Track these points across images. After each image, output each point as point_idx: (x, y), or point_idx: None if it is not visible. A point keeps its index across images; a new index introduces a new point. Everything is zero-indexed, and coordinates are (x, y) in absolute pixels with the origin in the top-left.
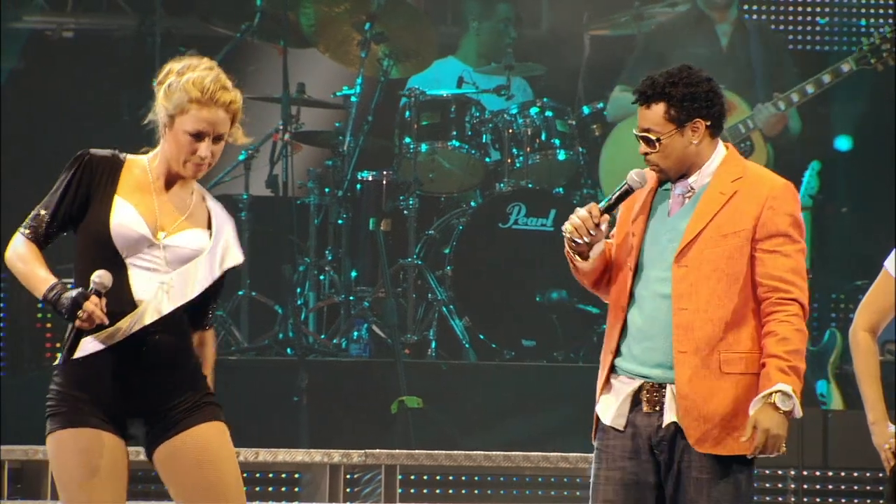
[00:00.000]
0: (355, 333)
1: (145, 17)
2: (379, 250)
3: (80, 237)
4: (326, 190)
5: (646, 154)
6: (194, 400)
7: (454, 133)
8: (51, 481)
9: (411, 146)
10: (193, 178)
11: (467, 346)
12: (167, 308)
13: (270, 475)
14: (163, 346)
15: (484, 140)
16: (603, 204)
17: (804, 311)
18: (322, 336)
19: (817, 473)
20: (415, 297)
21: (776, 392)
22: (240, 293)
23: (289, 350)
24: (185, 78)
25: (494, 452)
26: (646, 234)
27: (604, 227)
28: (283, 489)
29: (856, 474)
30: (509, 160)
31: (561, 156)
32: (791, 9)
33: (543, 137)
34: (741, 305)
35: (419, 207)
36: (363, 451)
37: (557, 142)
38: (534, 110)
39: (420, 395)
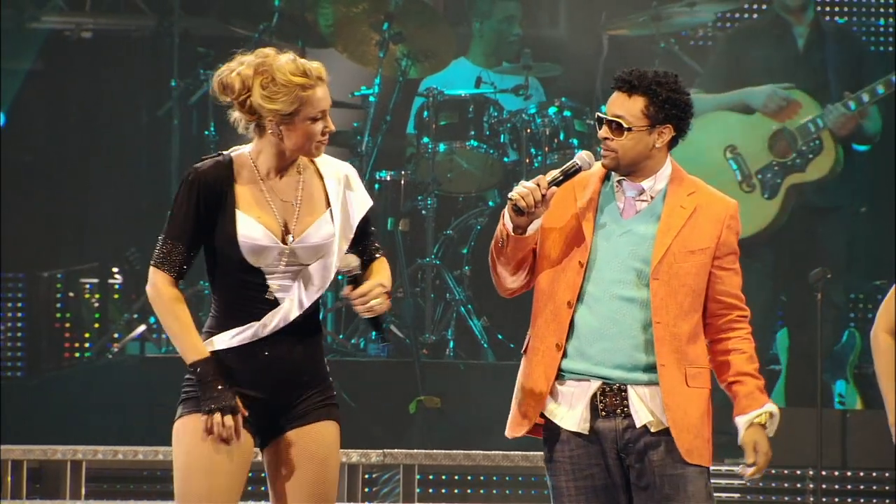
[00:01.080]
0: (373, 333)
1: (163, 17)
2: (397, 250)
3: (211, 253)
4: None
5: (606, 139)
6: (321, 397)
7: (472, 133)
8: (69, 481)
9: (429, 146)
10: (320, 155)
11: (485, 345)
12: (308, 301)
13: None
14: (299, 340)
15: (502, 140)
16: (550, 178)
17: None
18: (340, 336)
19: (836, 473)
20: (433, 297)
21: (766, 413)
22: None
23: None
24: (279, 73)
25: (513, 452)
26: (596, 233)
27: (549, 201)
28: None
29: (875, 474)
30: (527, 160)
31: None
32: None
33: (562, 137)
34: (699, 321)
35: (437, 207)
36: (381, 451)
37: (576, 141)
38: (552, 110)
39: (438, 394)
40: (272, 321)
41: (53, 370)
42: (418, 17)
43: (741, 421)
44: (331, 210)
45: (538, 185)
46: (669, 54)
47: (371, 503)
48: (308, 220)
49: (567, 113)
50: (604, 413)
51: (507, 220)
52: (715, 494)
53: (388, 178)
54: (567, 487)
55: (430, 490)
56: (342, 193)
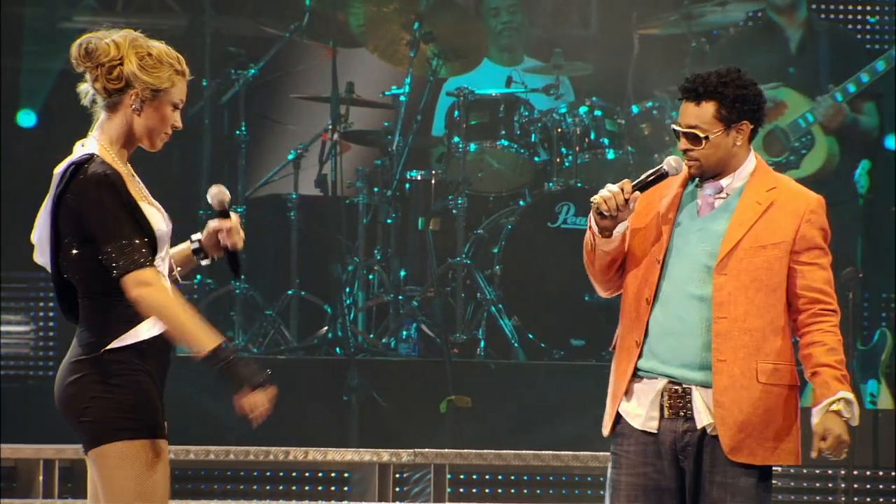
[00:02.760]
0: (404, 333)
1: (195, 16)
2: (428, 250)
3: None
4: (375, 189)
5: (688, 150)
6: None
7: (503, 132)
8: None
9: (460, 145)
10: (159, 148)
11: (516, 345)
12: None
13: (320, 474)
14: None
15: (533, 139)
16: (635, 182)
17: (839, 322)
18: (371, 335)
19: (867, 473)
20: (463, 296)
21: (839, 399)
22: (289, 292)
23: (338, 349)
24: (155, 50)
25: (544, 452)
26: (674, 231)
27: (632, 205)
28: (333, 488)
29: None
30: (558, 159)
31: (610, 155)
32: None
33: (592, 137)
34: (777, 316)
35: (468, 207)
36: (412, 451)
37: (606, 141)
38: (583, 109)
39: (469, 394)
40: None
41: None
42: (449, 16)
43: (815, 411)
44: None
45: (622, 189)
46: (700, 53)
47: (402, 503)
48: (157, 209)
49: (598, 112)
50: (668, 415)
51: (592, 223)
52: None
53: (419, 178)
54: (619, 481)
55: (461, 490)
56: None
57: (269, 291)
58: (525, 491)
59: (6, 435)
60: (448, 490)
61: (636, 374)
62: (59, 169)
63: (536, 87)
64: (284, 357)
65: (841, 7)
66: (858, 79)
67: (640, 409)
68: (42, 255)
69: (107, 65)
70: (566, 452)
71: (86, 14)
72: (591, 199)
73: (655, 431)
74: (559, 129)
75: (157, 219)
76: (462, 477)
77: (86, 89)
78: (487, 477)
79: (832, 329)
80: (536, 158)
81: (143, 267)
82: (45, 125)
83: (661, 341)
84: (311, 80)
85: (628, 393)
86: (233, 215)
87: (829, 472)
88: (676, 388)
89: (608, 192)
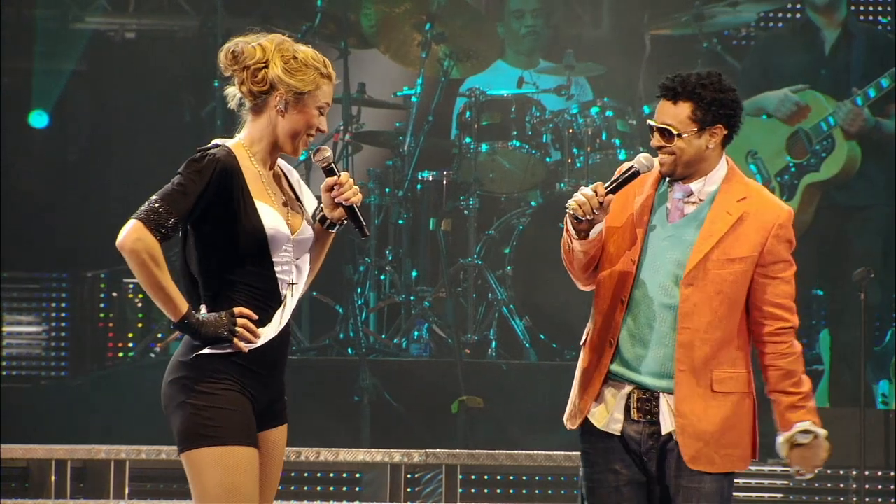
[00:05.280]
0: (416, 333)
1: (206, 17)
2: (439, 250)
3: (227, 246)
4: (387, 190)
5: (661, 147)
6: (284, 397)
7: (514, 133)
8: (113, 480)
9: (472, 146)
10: (300, 154)
11: (528, 345)
12: (294, 301)
13: (332, 475)
14: (287, 338)
15: (544, 140)
16: (608, 184)
17: (797, 335)
18: (382, 336)
19: (879, 474)
20: (475, 296)
21: (795, 433)
22: None
23: (349, 350)
24: (301, 53)
25: (555, 452)
26: (647, 235)
27: (607, 208)
28: (345, 489)
29: None
30: (570, 160)
31: (622, 155)
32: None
33: (604, 137)
34: (736, 327)
35: (479, 207)
36: (424, 451)
37: (618, 141)
38: (594, 110)
39: (480, 394)
40: (282, 316)
41: (97, 370)
42: (461, 17)
43: (778, 441)
44: (305, 211)
45: (595, 192)
46: (712, 54)
47: (413, 503)
48: (297, 216)
49: (609, 113)
50: (635, 416)
51: (569, 226)
52: (757, 495)
53: (431, 179)
54: (594, 479)
55: (473, 490)
56: (304, 196)
57: None
58: (536, 491)
59: (18, 435)
60: (459, 490)
61: (606, 376)
62: None
63: (548, 88)
64: (296, 358)
65: (879, 9)
66: (879, 84)
67: (605, 412)
68: None
69: (252, 68)
70: (577, 453)
71: (97, 15)
72: (566, 204)
73: (618, 434)
74: (571, 130)
75: (273, 219)
76: (473, 477)
77: (233, 92)
78: (499, 477)
79: (788, 351)
80: (548, 159)
81: (146, 225)
82: (57, 126)
83: (631, 349)
84: None
85: (599, 395)
86: (342, 172)
87: (841, 472)
88: (645, 392)
89: (582, 197)
